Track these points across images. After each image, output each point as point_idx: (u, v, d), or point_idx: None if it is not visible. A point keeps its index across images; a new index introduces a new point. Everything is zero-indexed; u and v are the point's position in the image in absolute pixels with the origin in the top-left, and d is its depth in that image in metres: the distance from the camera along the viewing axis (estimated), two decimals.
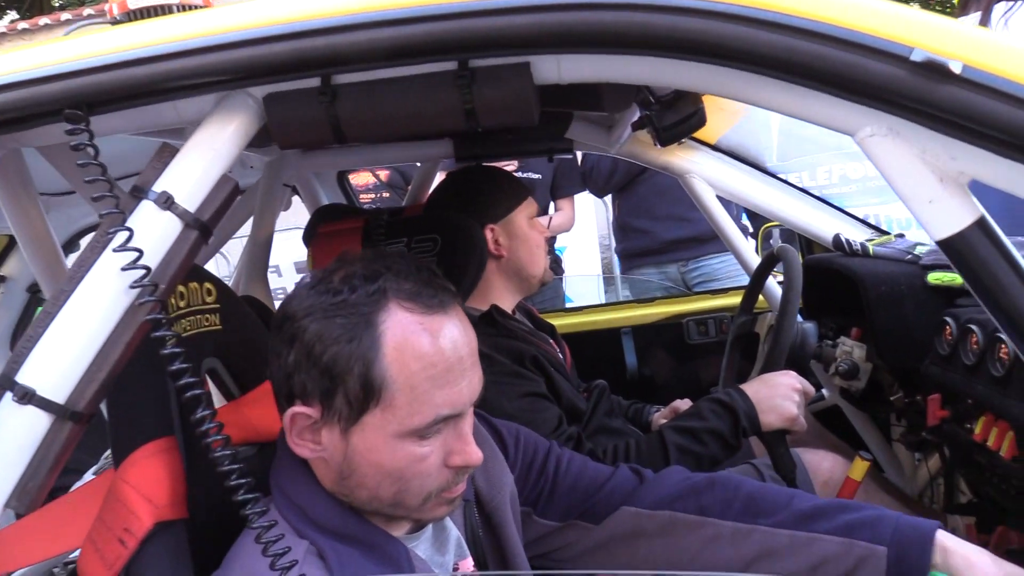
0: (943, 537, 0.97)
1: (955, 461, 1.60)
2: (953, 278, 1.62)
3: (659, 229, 3.04)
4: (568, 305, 3.52)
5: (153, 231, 0.91)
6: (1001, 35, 1.70)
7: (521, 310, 1.86)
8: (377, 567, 0.87)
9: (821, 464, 1.67)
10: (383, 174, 3.28)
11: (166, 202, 0.91)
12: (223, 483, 0.86)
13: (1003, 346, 1.30)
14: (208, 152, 0.94)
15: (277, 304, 1.18)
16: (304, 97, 0.95)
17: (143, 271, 0.87)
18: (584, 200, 5.36)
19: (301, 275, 1.66)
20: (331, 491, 0.91)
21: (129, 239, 0.88)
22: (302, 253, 1.87)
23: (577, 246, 5.34)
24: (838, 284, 1.86)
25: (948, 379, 1.49)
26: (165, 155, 0.95)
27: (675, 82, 0.88)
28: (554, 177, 3.17)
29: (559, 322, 2.44)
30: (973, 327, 1.43)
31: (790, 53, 0.73)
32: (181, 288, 1.06)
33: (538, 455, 1.18)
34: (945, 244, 0.81)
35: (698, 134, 2.17)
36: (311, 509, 0.89)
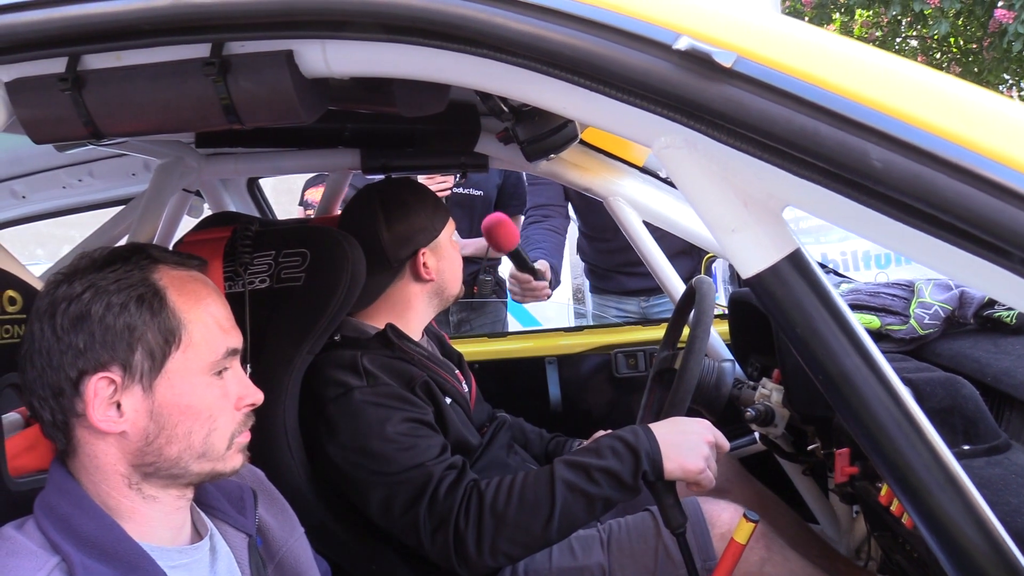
0: None
1: (869, 523, 1.44)
2: (870, 321, 1.48)
3: (621, 278, 2.92)
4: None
5: None
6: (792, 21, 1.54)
7: (432, 336, 1.74)
8: None
9: (720, 516, 1.52)
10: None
11: None
12: None
13: None
14: None
15: None
16: (46, 84, 0.82)
17: None
18: None
19: None
20: (110, 495, 0.89)
21: None
22: None
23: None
24: (762, 321, 1.71)
25: None
26: None
27: (453, 78, 0.74)
28: (499, 195, 3.01)
29: (478, 348, 2.30)
30: None
31: (538, 40, 0.59)
32: None
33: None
34: (752, 284, 0.66)
35: (626, 156, 2.03)
36: (75, 518, 0.86)
